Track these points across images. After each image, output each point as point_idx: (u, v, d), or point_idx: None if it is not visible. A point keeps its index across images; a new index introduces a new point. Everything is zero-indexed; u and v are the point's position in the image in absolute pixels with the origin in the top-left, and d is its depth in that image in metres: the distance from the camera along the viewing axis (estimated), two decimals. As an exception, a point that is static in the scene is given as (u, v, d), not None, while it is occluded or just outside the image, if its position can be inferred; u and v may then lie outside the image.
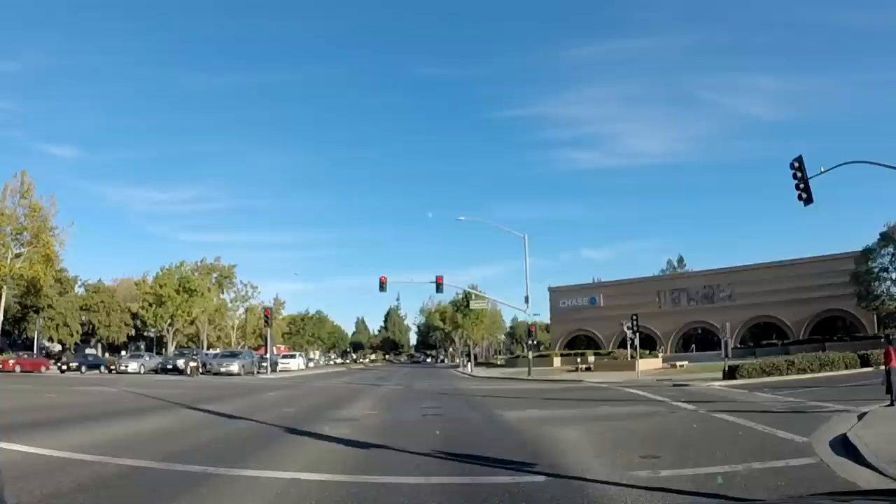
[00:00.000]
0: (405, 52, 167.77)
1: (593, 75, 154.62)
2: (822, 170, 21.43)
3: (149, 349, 70.32)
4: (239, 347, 71.56)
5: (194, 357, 46.87)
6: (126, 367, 45.95)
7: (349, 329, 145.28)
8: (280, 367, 54.91)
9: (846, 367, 29.18)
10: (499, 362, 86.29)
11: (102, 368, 47.58)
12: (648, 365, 45.46)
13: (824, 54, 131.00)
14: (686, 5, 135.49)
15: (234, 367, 43.76)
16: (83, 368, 45.10)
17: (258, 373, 46.29)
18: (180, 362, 45.21)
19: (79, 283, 77.92)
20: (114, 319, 75.41)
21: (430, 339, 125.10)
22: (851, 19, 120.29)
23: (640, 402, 19.28)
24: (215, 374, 42.80)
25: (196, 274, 71.10)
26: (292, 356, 65.98)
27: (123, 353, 64.74)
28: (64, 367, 44.96)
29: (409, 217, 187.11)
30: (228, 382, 34.61)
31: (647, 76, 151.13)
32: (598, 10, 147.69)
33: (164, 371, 44.93)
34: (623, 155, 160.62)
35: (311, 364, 78.56)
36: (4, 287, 50.11)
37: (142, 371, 45.19)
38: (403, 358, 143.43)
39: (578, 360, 51.37)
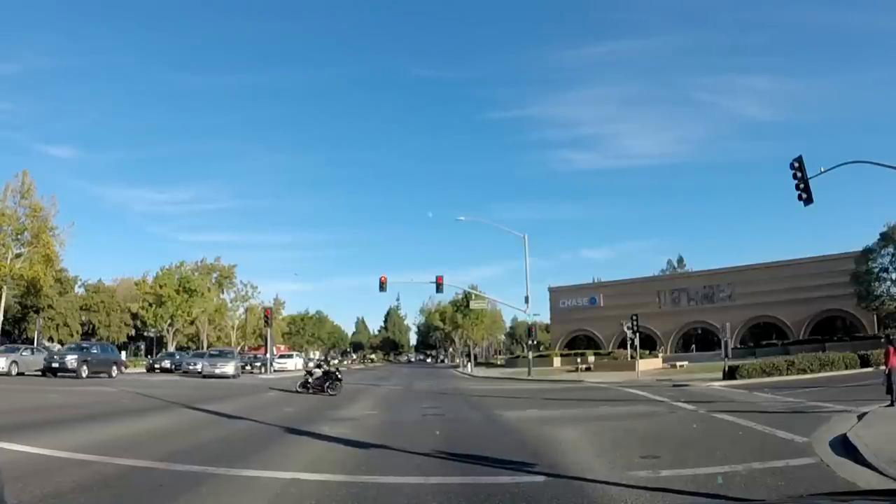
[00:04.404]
0: (404, 54, 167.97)
1: (590, 76, 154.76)
2: (822, 170, 21.47)
3: (149, 349, 70.30)
4: (228, 347, 70.76)
5: (184, 359, 43.60)
6: None
7: (349, 329, 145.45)
8: (277, 367, 54.45)
9: (846, 368, 29.17)
10: (499, 362, 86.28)
11: None
12: (648, 365, 45.46)
13: (821, 55, 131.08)
14: (682, 6, 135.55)
15: (229, 368, 40.18)
16: None
17: (239, 374, 42.62)
18: (70, 359, 31.50)
19: (79, 283, 77.99)
20: (114, 319, 75.42)
21: (430, 339, 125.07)
22: (848, 19, 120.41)
23: (640, 403, 19.29)
24: (207, 375, 39.41)
25: (196, 274, 71.02)
26: (289, 356, 65.57)
27: (123, 353, 64.77)
28: None
29: (409, 217, 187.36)
30: (220, 383, 34.55)
31: (643, 77, 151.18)
32: (594, 12, 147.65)
33: (51, 372, 31.27)
34: (621, 156, 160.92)
35: (310, 364, 78.34)
36: (4, 287, 50.08)
37: (13, 372, 31.12)
38: (403, 358, 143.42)
39: (578, 360, 51.38)
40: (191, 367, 43.01)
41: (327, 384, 23.73)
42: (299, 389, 24.16)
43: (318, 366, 26.14)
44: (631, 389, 25.16)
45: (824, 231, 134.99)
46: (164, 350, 63.15)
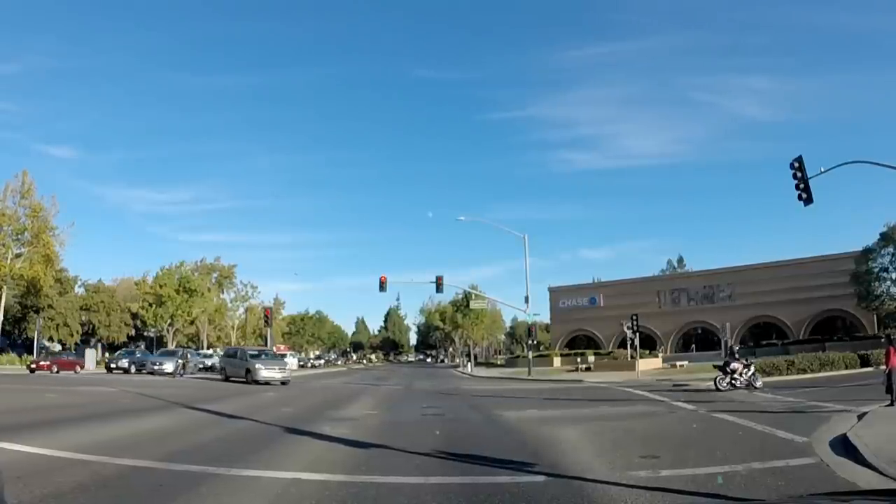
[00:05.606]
0: (404, 54, 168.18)
1: (590, 77, 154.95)
2: (822, 170, 21.48)
3: (149, 349, 70.28)
4: (232, 347, 70.18)
5: (147, 358, 39.77)
6: None
7: (349, 329, 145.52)
8: None
9: (846, 367, 29.19)
10: (499, 362, 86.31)
11: None
12: (648, 365, 45.46)
13: (821, 55, 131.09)
14: (682, 7, 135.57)
15: (287, 373, 33.39)
16: None
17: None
18: None
19: (79, 283, 78.06)
20: (114, 319, 75.44)
21: (430, 339, 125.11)
22: (848, 20, 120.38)
23: (639, 402, 19.29)
24: (264, 381, 31.78)
25: (196, 274, 71.08)
26: (283, 356, 65.06)
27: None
28: None
29: (409, 217, 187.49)
30: (222, 384, 34.51)
31: (642, 78, 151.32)
32: (594, 13, 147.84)
33: None
34: (620, 156, 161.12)
35: (310, 364, 78.32)
36: (5, 287, 50.08)
37: None
38: (403, 358, 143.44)
39: (578, 360, 51.38)
40: (156, 368, 38.99)
41: (751, 375, 21.68)
42: (722, 387, 21.74)
43: (734, 357, 22.65)
44: (631, 389, 25.16)
45: (824, 231, 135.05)
46: (164, 348, 63.12)
